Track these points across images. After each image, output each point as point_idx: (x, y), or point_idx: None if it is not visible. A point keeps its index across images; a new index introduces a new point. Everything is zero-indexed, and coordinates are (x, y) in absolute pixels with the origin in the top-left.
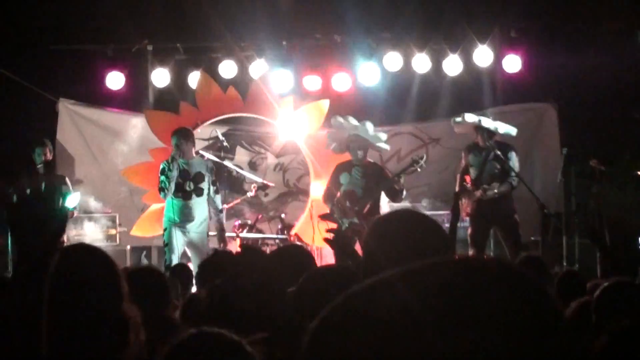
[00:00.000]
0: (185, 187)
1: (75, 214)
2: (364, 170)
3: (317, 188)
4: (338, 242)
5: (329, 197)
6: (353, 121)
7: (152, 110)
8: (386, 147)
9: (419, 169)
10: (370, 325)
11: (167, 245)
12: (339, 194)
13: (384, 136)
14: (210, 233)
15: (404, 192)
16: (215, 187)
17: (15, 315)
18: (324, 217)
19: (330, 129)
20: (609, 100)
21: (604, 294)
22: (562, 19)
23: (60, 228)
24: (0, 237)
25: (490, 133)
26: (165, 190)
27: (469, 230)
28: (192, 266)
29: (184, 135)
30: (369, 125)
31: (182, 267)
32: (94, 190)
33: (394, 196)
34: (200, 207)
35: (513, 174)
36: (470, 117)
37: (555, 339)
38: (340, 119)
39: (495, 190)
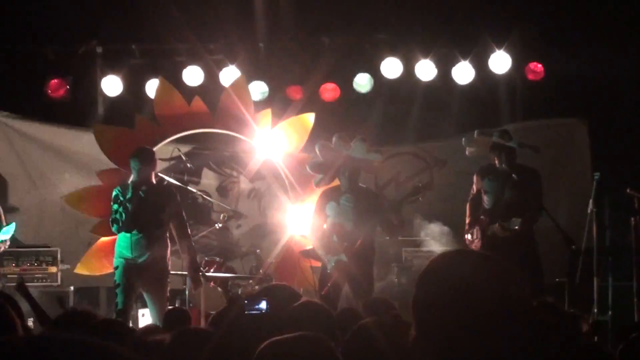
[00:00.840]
0: (141, 216)
1: (2, 248)
2: (355, 199)
3: (299, 218)
4: None
5: (313, 230)
6: (342, 142)
7: (101, 124)
8: (377, 156)
9: (420, 198)
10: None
11: (119, 286)
12: (325, 227)
13: (375, 158)
14: (178, 272)
15: (402, 228)
16: (179, 220)
17: None
18: (305, 253)
19: (313, 158)
20: None
21: (629, 348)
22: (595, 19)
23: None
24: None
25: (510, 154)
26: (120, 223)
27: None
28: (150, 314)
29: (145, 159)
30: (362, 144)
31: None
32: (31, 219)
33: (392, 231)
34: (158, 241)
35: (536, 204)
36: (484, 133)
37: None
38: (327, 144)
39: (516, 227)
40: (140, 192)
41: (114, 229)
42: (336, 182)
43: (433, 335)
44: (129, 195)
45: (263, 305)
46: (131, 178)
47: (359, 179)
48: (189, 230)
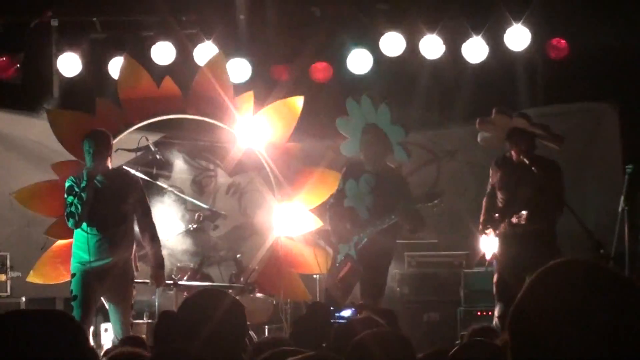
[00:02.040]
0: (100, 211)
1: None
2: (376, 181)
3: (286, 218)
4: None
5: (329, 209)
6: (372, 102)
7: (57, 109)
8: (403, 155)
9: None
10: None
11: (76, 298)
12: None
13: (400, 133)
14: (146, 280)
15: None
16: (143, 208)
17: None
18: (322, 235)
19: (342, 117)
20: None
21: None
22: None
23: None
24: None
25: (530, 143)
26: (76, 217)
27: (495, 277)
28: (112, 326)
29: (99, 140)
30: (387, 111)
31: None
32: None
33: (415, 224)
34: (122, 241)
35: (556, 202)
36: (504, 112)
37: None
38: (355, 103)
39: (523, 222)
40: (96, 182)
41: (70, 224)
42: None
43: None
44: (83, 185)
45: (349, 313)
46: (87, 166)
47: (384, 157)
48: (153, 219)
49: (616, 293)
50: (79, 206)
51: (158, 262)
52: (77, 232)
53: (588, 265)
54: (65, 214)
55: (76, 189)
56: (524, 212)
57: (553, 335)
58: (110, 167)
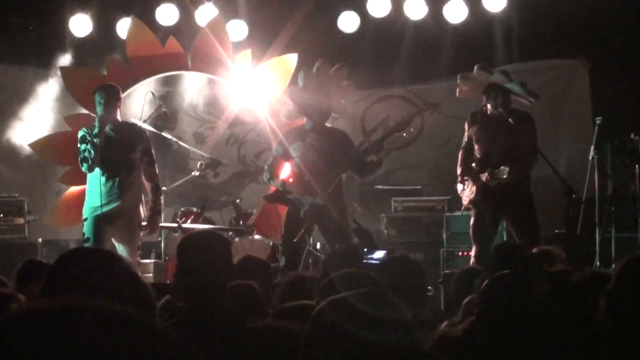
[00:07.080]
0: (111, 159)
1: None
2: (325, 138)
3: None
4: None
5: (275, 171)
6: (325, 69)
7: (69, 67)
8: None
9: (404, 134)
10: None
11: (88, 240)
12: (291, 168)
13: (350, 86)
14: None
15: (379, 167)
16: (149, 157)
17: None
18: (270, 198)
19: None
20: None
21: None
22: None
23: None
24: None
25: (506, 97)
26: (90, 161)
27: (472, 221)
28: None
29: (109, 92)
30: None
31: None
32: None
33: (365, 171)
34: (131, 188)
35: (531, 151)
36: (485, 69)
37: None
38: (309, 72)
39: (504, 176)
40: (107, 130)
41: (84, 168)
42: (301, 121)
43: None
44: (95, 132)
45: (381, 255)
46: (99, 114)
47: (326, 120)
48: (157, 170)
49: None
50: (92, 151)
51: (157, 209)
52: (90, 178)
53: None
54: (79, 159)
55: (88, 138)
56: (505, 168)
57: None
58: (119, 118)
